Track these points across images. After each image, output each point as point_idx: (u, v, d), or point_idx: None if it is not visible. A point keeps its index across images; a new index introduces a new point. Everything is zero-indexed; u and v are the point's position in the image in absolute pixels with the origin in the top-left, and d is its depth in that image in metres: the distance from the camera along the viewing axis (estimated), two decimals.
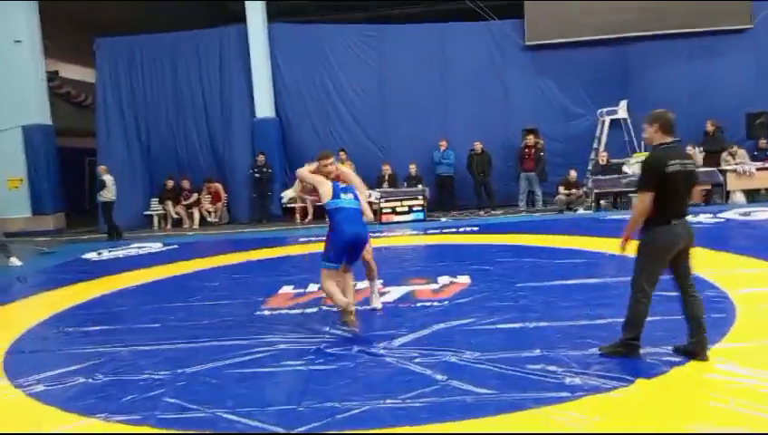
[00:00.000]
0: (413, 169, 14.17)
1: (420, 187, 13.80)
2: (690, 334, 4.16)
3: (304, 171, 5.78)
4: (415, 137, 15.09)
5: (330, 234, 5.48)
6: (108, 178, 13.19)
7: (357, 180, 5.97)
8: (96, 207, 14.94)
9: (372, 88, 15.50)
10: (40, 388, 4.47)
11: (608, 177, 13.25)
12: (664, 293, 5.78)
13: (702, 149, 13.52)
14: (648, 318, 5.05)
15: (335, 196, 5.42)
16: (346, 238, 5.32)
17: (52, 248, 12.65)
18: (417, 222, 13.09)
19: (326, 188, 5.46)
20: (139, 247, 11.59)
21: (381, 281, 7.13)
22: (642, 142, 14.37)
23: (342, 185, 5.56)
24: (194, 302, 6.92)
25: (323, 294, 6.52)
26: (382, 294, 6.52)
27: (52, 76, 18.32)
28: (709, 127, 13.74)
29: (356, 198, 5.53)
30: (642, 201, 4.04)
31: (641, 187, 4.08)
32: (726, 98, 14.51)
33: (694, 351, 4.13)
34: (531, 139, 14.10)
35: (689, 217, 4.23)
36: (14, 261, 10.34)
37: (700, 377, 3.95)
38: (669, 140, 4.10)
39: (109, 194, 13.16)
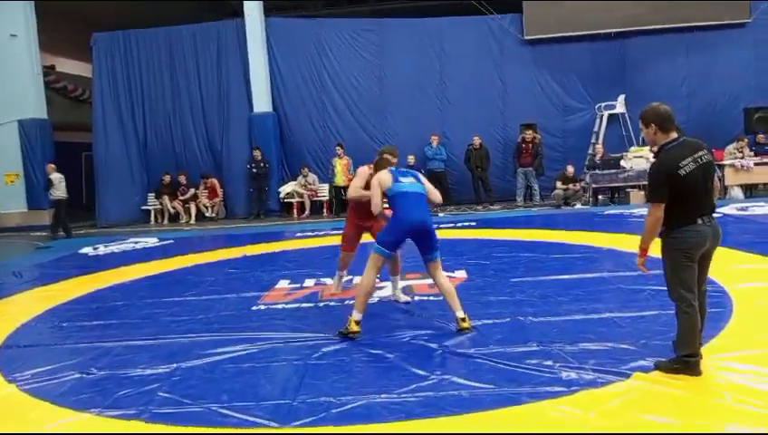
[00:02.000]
0: (411, 159, 14.14)
1: None
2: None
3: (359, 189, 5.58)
4: (413, 132, 15.08)
5: (391, 219, 5.15)
6: (55, 177, 13.05)
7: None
8: (92, 201, 14.97)
9: (370, 83, 15.47)
10: (34, 382, 4.45)
11: (605, 171, 13.23)
12: (658, 287, 5.82)
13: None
14: (645, 313, 5.11)
15: (395, 180, 5.08)
16: (408, 224, 4.98)
17: (48, 243, 12.61)
18: None
19: (386, 178, 5.12)
20: (136, 242, 11.56)
21: (378, 276, 7.12)
22: (641, 137, 14.39)
23: (400, 169, 5.32)
24: (190, 296, 6.89)
25: (320, 289, 6.53)
26: (380, 288, 6.51)
27: (49, 71, 18.27)
28: None
29: (418, 181, 5.22)
30: (653, 214, 3.65)
31: (651, 197, 3.70)
32: (725, 93, 14.51)
33: None
34: (529, 134, 14.09)
35: None
36: None
37: None
38: (674, 136, 3.71)
39: (57, 192, 13.02)
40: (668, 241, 3.74)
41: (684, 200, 3.63)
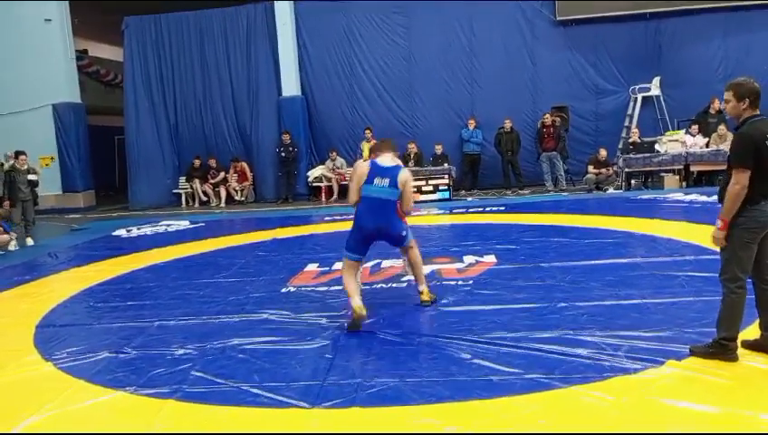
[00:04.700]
0: (439, 148, 14.05)
1: (446, 166, 13.68)
2: (763, 326, 3.83)
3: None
4: (442, 115, 14.99)
5: (353, 222, 5.15)
6: (7, 166, 12.64)
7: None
8: (125, 185, 15.21)
9: (399, 65, 15.34)
10: (70, 361, 4.55)
11: (639, 155, 12.96)
12: (693, 273, 5.72)
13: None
14: (679, 299, 5.02)
15: (368, 181, 4.99)
16: (364, 230, 5.02)
17: (83, 225, 12.86)
18: (443, 201, 13.01)
19: (363, 172, 5.00)
20: (168, 225, 11.72)
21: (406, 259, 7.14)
22: (675, 120, 14.09)
23: (383, 165, 5.04)
24: (221, 278, 6.98)
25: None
26: (407, 272, 6.50)
27: (82, 55, 18.52)
28: (717, 105, 13.02)
29: (392, 184, 4.98)
30: (739, 181, 3.59)
31: (738, 164, 3.62)
32: (764, 75, 14.05)
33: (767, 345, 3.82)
34: (548, 118, 13.83)
35: None
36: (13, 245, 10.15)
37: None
38: (758, 113, 3.74)
39: None
40: (738, 219, 3.66)
41: (761, 175, 3.60)
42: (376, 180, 4.98)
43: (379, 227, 5.02)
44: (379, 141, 5.45)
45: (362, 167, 5.12)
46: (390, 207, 5.04)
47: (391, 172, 5.03)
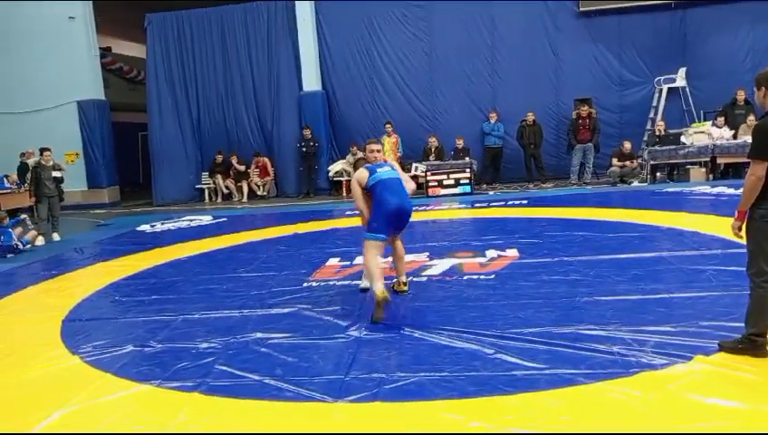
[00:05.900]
0: (460, 142, 13.96)
1: (468, 159, 13.60)
2: None
3: (355, 189, 5.54)
4: (463, 109, 14.89)
5: (373, 206, 5.31)
6: (32, 162, 12.52)
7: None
8: (149, 180, 15.34)
9: (420, 60, 15.27)
10: (96, 355, 4.61)
11: (664, 148, 12.76)
12: (720, 267, 5.62)
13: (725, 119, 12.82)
14: (706, 293, 4.94)
15: (372, 173, 5.35)
16: (391, 208, 5.17)
17: (108, 221, 13.03)
18: (465, 195, 12.94)
19: (363, 175, 5.38)
20: (191, 220, 11.83)
21: (427, 254, 7.12)
22: (702, 112, 13.85)
23: (375, 164, 5.49)
24: (243, 273, 7.02)
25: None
26: (429, 266, 6.49)
27: (105, 52, 18.72)
28: (740, 96, 12.76)
29: (392, 168, 5.49)
30: (755, 172, 3.55)
31: (754, 154, 3.58)
32: None
33: None
34: (585, 109, 13.66)
35: None
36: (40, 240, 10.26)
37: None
38: None
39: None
40: (758, 211, 3.62)
41: None
42: (379, 170, 5.38)
43: (401, 202, 5.24)
44: (356, 163, 6.07)
45: (361, 172, 5.46)
46: (402, 184, 5.40)
47: (383, 163, 5.60)
